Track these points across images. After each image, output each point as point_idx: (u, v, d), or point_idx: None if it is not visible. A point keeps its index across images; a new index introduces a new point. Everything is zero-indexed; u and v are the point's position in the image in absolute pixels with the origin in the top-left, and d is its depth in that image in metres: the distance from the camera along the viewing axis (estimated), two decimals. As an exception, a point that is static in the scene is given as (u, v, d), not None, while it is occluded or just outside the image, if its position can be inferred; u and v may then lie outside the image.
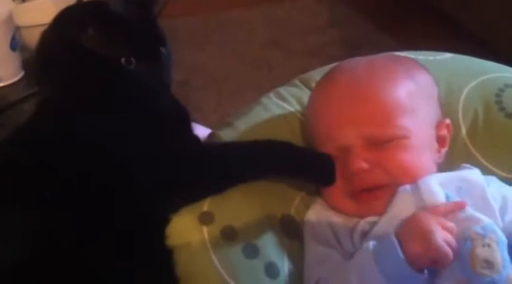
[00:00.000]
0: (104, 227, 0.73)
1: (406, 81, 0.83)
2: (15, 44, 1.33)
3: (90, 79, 0.79)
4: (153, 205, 0.76)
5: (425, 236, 0.69)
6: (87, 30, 0.78)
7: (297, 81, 0.97)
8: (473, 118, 0.91)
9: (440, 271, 0.70)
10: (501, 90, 0.93)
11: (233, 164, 0.80)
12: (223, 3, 2.02)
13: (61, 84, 0.80)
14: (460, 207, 0.73)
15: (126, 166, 0.75)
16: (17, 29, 1.34)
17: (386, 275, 0.68)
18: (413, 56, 0.95)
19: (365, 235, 0.76)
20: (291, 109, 0.92)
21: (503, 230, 0.73)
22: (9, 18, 1.31)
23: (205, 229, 0.77)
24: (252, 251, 0.77)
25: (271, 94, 0.94)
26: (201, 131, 0.91)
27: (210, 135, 0.89)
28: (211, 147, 0.84)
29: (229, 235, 0.77)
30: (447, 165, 0.85)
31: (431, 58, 0.97)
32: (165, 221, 0.77)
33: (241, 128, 0.87)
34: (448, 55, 0.99)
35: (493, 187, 0.79)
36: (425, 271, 0.69)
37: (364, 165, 0.77)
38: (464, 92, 0.92)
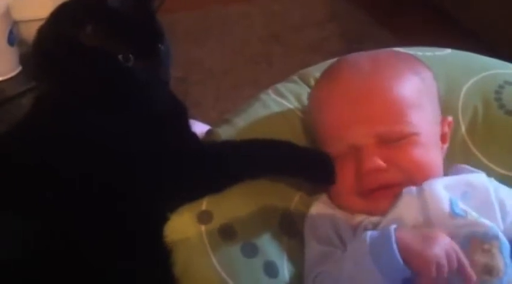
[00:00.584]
0: (104, 226, 0.73)
1: (413, 77, 0.83)
2: (12, 39, 1.32)
3: (87, 77, 0.78)
4: (153, 204, 0.76)
5: (428, 239, 0.67)
6: (85, 27, 0.77)
7: (295, 78, 0.96)
8: (472, 115, 0.91)
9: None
10: (501, 86, 0.92)
11: (232, 163, 0.79)
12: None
13: (59, 80, 0.79)
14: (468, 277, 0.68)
15: (124, 164, 0.75)
16: (15, 23, 1.33)
17: (379, 266, 0.67)
18: (412, 52, 0.94)
19: None
20: (290, 106, 0.91)
21: (505, 232, 0.73)
22: (7, 12, 1.30)
23: (203, 228, 0.77)
24: (251, 250, 0.76)
25: (270, 91, 0.94)
26: (199, 127, 0.91)
27: (208, 132, 0.88)
28: (210, 145, 0.84)
29: (227, 234, 0.77)
30: (446, 161, 0.84)
31: (429, 54, 0.96)
32: (164, 220, 0.77)
33: (239, 125, 0.87)
34: (447, 51, 0.99)
35: (495, 190, 0.79)
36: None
37: (381, 164, 0.77)
38: (464, 89, 0.92)
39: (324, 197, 0.84)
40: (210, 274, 0.74)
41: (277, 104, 0.91)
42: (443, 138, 0.84)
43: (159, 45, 0.81)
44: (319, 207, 0.82)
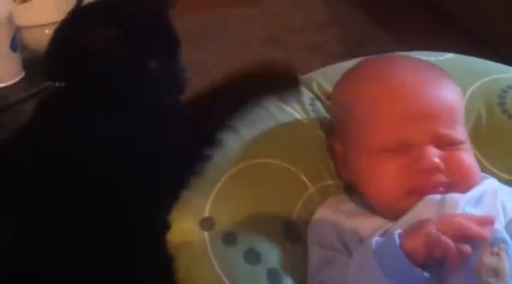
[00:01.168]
0: (103, 226, 0.73)
1: (457, 86, 0.85)
2: (15, 45, 1.32)
3: (100, 80, 0.78)
4: (152, 205, 0.76)
5: (421, 227, 0.68)
6: (101, 31, 0.78)
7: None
8: (476, 120, 0.91)
9: (446, 278, 0.69)
10: (504, 91, 0.92)
11: None
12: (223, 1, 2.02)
13: (71, 82, 0.80)
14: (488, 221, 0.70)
15: (126, 166, 0.75)
16: (18, 29, 1.33)
17: (385, 271, 0.67)
18: (416, 56, 0.94)
19: None
20: (291, 110, 0.90)
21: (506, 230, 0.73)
22: (10, 19, 1.30)
23: (206, 234, 0.76)
24: (253, 257, 0.76)
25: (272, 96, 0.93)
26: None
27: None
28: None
29: (230, 241, 0.76)
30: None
31: (432, 58, 0.96)
32: (165, 225, 0.76)
33: (242, 133, 0.86)
34: (449, 55, 0.99)
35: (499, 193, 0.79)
36: (424, 273, 0.67)
37: (441, 164, 0.76)
38: (467, 93, 0.92)
39: (328, 202, 0.84)
40: (212, 281, 0.74)
41: (279, 109, 0.90)
42: None
43: (178, 50, 0.82)
44: (324, 212, 0.82)
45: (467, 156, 0.80)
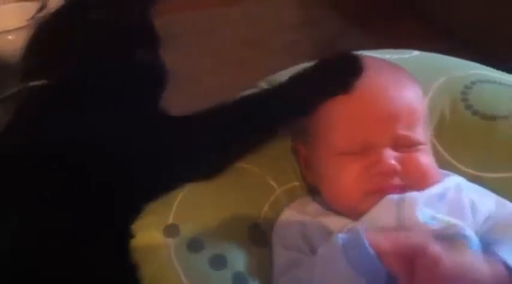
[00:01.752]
0: (102, 227, 0.73)
1: (419, 87, 0.85)
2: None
3: (92, 73, 0.79)
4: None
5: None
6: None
7: (263, 84, 0.96)
8: (440, 116, 0.91)
9: None
10: (467, 87, 0.92)
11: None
12: (201, 1, 2.01)
13: (58, 76, 0.80)
14: None
15: (123, 164, 0.75)
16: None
17: (350, 261, 0.66)
18: (380, 55, 0.94)
19: None
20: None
21: (477, 230, 0.74)
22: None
23: (170, 241, 0.76)
24: (219, 262, 0.76)
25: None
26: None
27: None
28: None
29: (196, 247, 0.76)
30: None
31: (397, 56, 0.96)
32: (129, 233, 0.76)
33: None
34: (414, 53, 0.99)
35: (466, 191, 0.80)
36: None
37: (398, 167, 0.77)
38: (431, 91, 0.92)
39: (294, 204, 0.84)
40: (177, 288, 0.73)
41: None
42: None
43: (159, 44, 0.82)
44: (289, 214, 0.82)
45: (425, 157, 0.80)
